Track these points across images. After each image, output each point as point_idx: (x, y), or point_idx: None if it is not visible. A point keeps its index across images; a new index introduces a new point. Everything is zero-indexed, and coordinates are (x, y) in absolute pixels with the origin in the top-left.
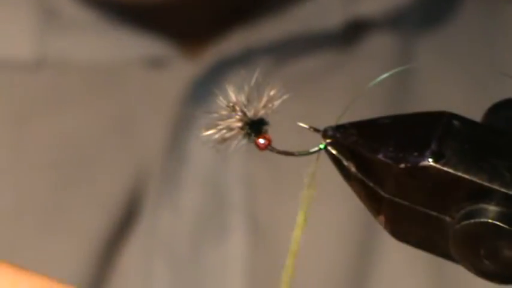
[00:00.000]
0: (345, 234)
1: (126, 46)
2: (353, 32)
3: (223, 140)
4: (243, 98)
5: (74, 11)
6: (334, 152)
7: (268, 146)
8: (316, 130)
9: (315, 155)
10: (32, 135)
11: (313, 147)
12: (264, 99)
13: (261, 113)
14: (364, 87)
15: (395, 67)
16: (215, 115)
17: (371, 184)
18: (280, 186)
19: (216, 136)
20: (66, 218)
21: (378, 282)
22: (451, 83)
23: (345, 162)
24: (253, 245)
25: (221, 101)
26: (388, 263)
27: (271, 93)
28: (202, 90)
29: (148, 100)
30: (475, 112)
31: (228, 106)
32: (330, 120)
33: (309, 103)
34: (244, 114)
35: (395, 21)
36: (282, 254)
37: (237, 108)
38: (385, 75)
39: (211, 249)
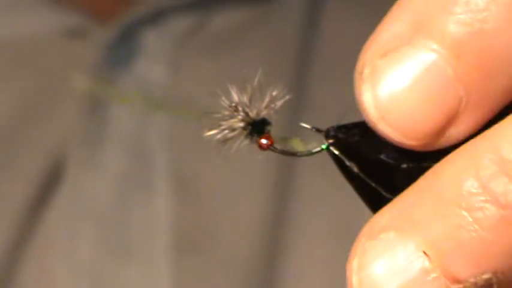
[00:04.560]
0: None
1: (41, 19)
2: None
3: (226, 140)
4: (245, 99)
5: None
6: (336, 152)
7: (270, 146)
8: (318, 130)
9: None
10: None
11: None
12: (267, 99)
13: (263, 113)
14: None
15: (309, 21)
16: (217, 115)
17: (373, 184)
18: (202, 144)
19: (218, 136)
20: None
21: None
22: (357, 24)
23: (347, 163)
24: (179, 203)
25: (223, 101)
26: (302, 229)
27: (274, 93)
28: (117, 54)
29: (66, 68)
30: None
31: (230, 106)
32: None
33: (230, 62)
34: (247, 114)
35: None
36: (207, 211)
37: (240, 109)
38: None
39: (137, 209)
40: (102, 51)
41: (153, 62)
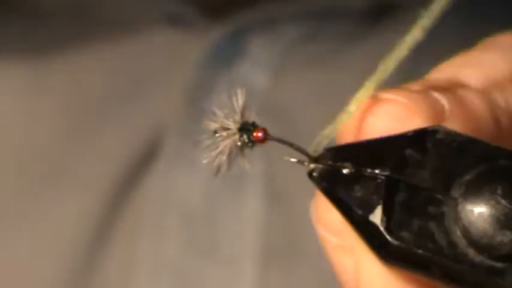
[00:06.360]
0: None
1: (150, 2)
2: (378, 10)
3: (226, 160)
4: (236, 109)
5: None
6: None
7: (267, 136)
8: (300, 162)
9: None
10: (47, 82)
11: None
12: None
13: (252, 117)
14: None
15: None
16: (210, 140)
17: None
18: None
19: (217, 160)
20: (76, 168)
21: None
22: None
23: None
24: (269, 205)
25: (216, 113)
26: None
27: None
28: (223, 54)
29: (169, 58)
30: None
31: (222, 118)
32: (351, 91)
33: (332, 75)
34: (238, 121)
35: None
36: (297, 224)
37: (234, 116)
38: None
39: (226, 209)
40: (208, 47)
41: (257, 66)
